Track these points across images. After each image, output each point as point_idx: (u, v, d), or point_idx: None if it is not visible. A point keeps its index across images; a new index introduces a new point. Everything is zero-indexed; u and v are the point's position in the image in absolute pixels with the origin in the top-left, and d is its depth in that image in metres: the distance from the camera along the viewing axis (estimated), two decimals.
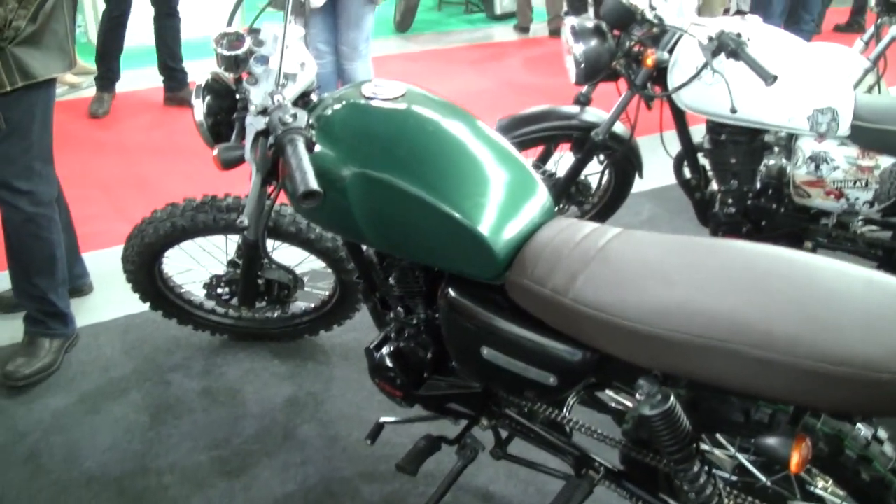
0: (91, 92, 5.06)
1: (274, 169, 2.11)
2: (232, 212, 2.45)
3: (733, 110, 2.61)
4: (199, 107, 2.06)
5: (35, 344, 2.74)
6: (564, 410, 1.97)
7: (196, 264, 2.82)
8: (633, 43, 2.80)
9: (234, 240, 2.64)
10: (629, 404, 2.05)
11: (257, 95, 1.87)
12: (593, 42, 2.82)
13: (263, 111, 1.80)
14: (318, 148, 1.83)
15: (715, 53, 2.56)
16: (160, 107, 5.09)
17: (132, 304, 3.03)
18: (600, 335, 1.61)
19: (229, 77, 2.07)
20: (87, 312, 3.05)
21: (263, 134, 1.81)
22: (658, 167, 3.48)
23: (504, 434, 2.16)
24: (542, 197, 1.88)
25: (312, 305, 2.83)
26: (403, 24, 6.88)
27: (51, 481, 2.35)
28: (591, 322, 1.61)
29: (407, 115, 1.89)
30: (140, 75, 5.42)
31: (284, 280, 2.59)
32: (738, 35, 2.51)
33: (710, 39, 2.55)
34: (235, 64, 1.93)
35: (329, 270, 2.69)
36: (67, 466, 2.40)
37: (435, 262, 1.85)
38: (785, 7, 5.93)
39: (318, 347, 2.93)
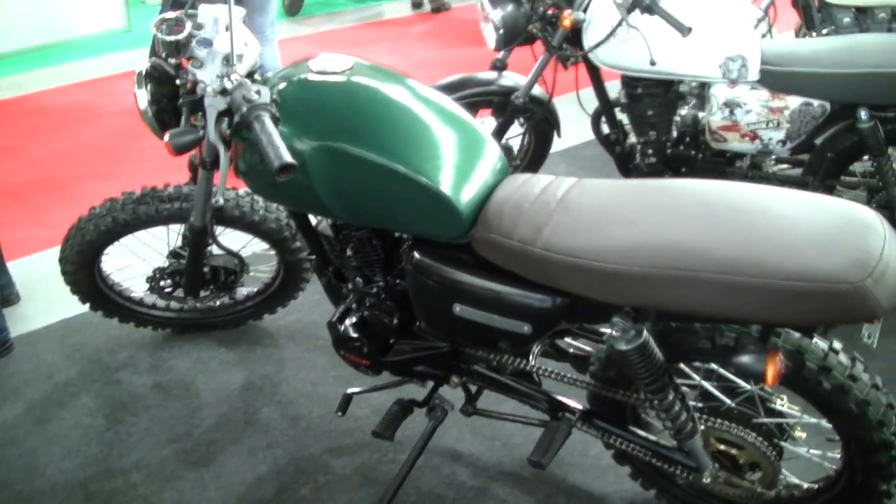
0: None
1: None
2: (174, 201, 2.42)
3: (652, 62, 2.72)
4: (143, 95, 2.03)
5: None
6: (531, 359, 2.05)
7: (133, 259, 2.77)
8: (547, 5, 2.88)
9: (174, 230, 2.60)
10: (589, 349, 2.14)
11: (206, 77, 1.86)
12: (510, 7, 2.89)
13: (223, 91, 1.79)
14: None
15: (630, 10, 2.66)
16: (56, 109, 4.92)
17: (65, 308, 2.99)
18: (572, 279, 1.68)
19: (169, 63, 2.04)
20: (19, 321, 2.95)
21: (225, 113, 1.81)
22: (572, 126, 3.59)
23: (473, 391, 2.22)
24: (495, 155, 1.94)
25: (255, 289, 2.82)
26: (293, 7, 6.82)
27: (13, 494, 2.28)
28: (562, 268, 1.68)
29: (359, 86, 1.91)
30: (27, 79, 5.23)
31: (230, 265, 2.58)
32: None
33: None
34: (177, 49, 1.92)
35: (271, 252, 2.69)
36: (28, 477, 2.34)
37: (400, 228, 1.89)
38: None
39: (264, 331, 2.92)
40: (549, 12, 2.90)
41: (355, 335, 2.14)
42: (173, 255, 2.59)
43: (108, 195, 2.53)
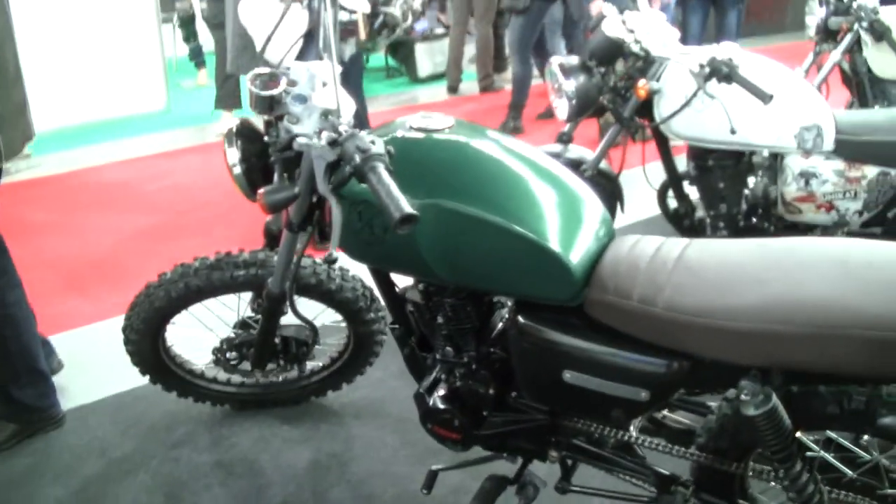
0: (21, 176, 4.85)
1: (308, 218, 2.04)
2: (249, 268, 2.34)
3: (733, 131, 2.67)
4: (233, 153, 1.98)
5: None
6: (632, 431, 1.94)
7: (198, 329, 2.67)
8: (620, 76, 2.86)
9: (244, 300, 2.51)
10: (687, 421, 2.02)
11: (304, 131, 1.80)
12: (582, 78, 2.86)
13: (333, 143, 1.72)
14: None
15: (707, 78, 2.62)
16: (98, 186, 4.90)
17: (114, 383, 2.88)
18: (699, 341, 1.59)
19: (258, 122, 2.00)
20: (67, 397, 2.82)
21: (334, 166, 1.74)
22: (634, 202, 3.53)
23: (569, 465, 2.10)
24: (602, 216, 1.86)
25: (321, 364, 2.71)
26: None
27: None
28: (687, 328, 1.59)
29: (464, 143, 1.86)
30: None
31: (302, 336, 2.48)
32: (730, 59, 2.59)
33: (702, 66, 2.62)
34: (270, 105, 1.87)
35: (341, 324, 2.59)
36: None
37: (507, 289, 1.80)
38: (701, 30, 6.03)
39: (327, 409, 2.79)
40: (621, 83, 2.87)
41: (446, 407, 2.03)
42: (242, 325, 2.50)
43: (151, 271, 2.46)
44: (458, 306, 1.96)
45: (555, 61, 2.93)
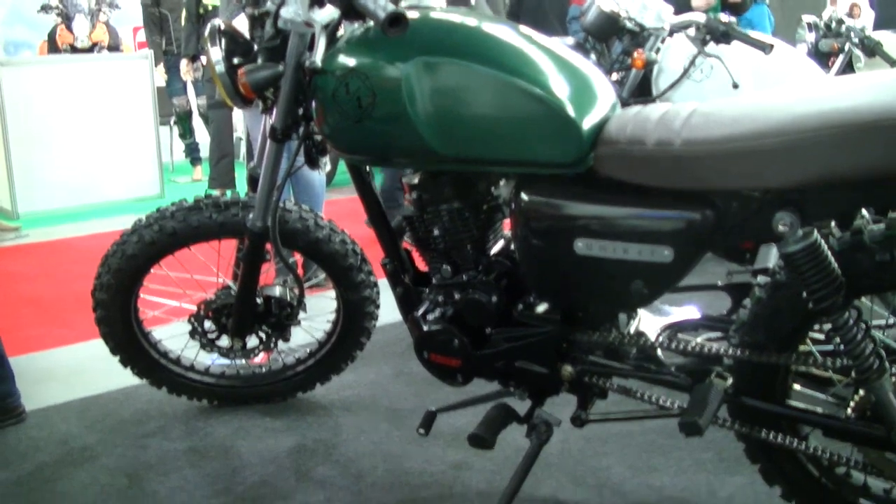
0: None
1: (292, 125, 1.92)
2: (231, 208, 2.16)
3: (735, 85, 2.56)
4: (216, 52, 1.87)
5: None
6: (654, 335, 1.73)
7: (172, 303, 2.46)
8: (618, 54, 2.78)
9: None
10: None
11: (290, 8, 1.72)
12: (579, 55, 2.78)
13: None
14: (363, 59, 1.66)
15: (705, 41, 2.55)
16: (86, 249, 4.74)
17: (84, 387, 2.63)
18: (724, 171, 1.45)
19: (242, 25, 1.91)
20: (32, 399, 2.56)
21: (318, 1, 1.63)
22: None
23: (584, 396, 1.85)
24: (608, 87, 1.73)
25: (308, 350, 2.48)
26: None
27: None
28: (711, 160, 1.45)
29: (462, 12, 1.76)
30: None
31: (286, 297, 2.26)
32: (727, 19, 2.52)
33: (699, 28, 2.55)
34: None
35: (331, 296, 2.38)
36: None
37: (511, 155, 1.63)
38: None
39: (314, 403, 2.53)
40: (618, 63, 2.79)
41: (444, 326, 1.81)
42: (222, 291, 2.29)
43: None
44: (454, 212, 1.80)
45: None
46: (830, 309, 1.44)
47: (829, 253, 1.43)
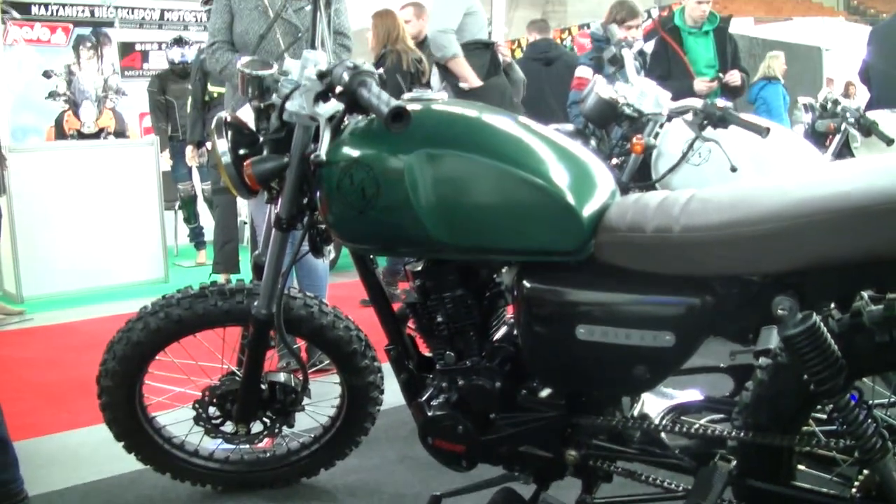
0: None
1: (297, 215, 1.96)
2: (235, 296, 2.19)
3: (734, 169, 2.62)
4: (222, 144, 1.92)
5: None
6: (658, 419, 1.75)
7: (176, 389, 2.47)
8: (617, 140, 2.85)
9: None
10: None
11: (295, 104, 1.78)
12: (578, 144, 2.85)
13: (322, 75, 1.67)
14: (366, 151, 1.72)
15: (702, 126, 2.61)
16: (91, 333, 4.76)
17: (87, 471, 2.61)
18: (722, 257, 1.48)
19: (247, 117, 1.96)
20: (35, 484, 2.55)
21: (323, 96, 1.69)
22: None
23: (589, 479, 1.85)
24: (607, 175, 1.77)
25: (312, 436, 2.48)
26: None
27: None
28: (709, 246, 1.48)
29: (464, 105, 1.82)
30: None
31: (290, 382, 2.28)
32: (723, 105, 2.59)
33: (696, 114, 2.62)
34: (262, 88, 1.84)
35: (332, 392, 2.39)
36: None
37: (513, 244, 1.67)
38: None
39: (319, 489, 2.52)
40: (618, 148, 2.86)
41: (448, 412, 1.83)
42: (226, 378, 2.31)
43: None
44: (457, 299, 1.83)
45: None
46: (832, 391, 1.46)
47: (829, 335, 1.45)
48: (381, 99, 1.50)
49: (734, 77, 4.86)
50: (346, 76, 1.57)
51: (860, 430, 1.49)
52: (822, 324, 1.45)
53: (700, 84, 4.53)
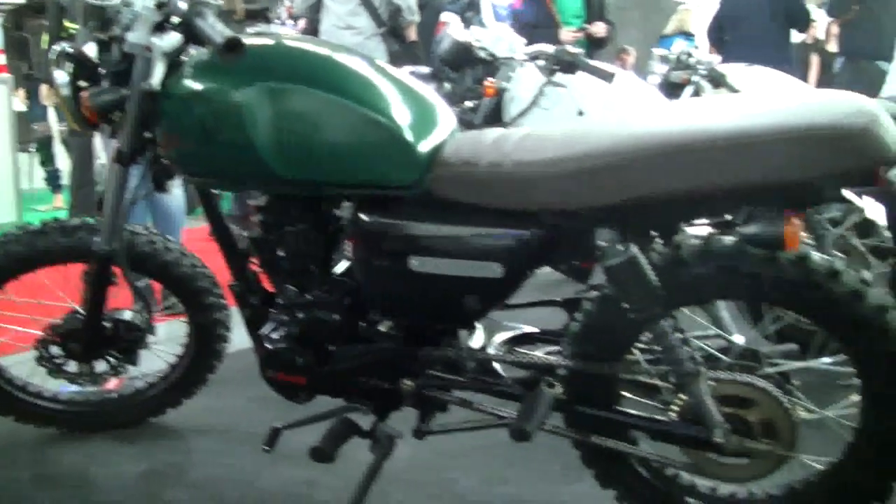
0: None
1: (139, 149, 1.93)
2: (78, 232, 2.14)
3: (581, 113, 2.71)
4: (62, 75, 1.86)
5: None
6: (492, 348, 1.82)
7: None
8: (471, 82, 2.90)
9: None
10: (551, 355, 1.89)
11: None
12: (433, 87, 2.88)
13: (161, 5, 1.64)
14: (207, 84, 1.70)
15: (552, 71, 2.68)
16: None
17: None
18: (550, 191, 1.54)
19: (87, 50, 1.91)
20: None
21: (160, 26, 1.66)
22: None
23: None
24: (447, 113, 1.81)
25: (159, 375, 2.46)
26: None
27: None
28: (538, 181, 1.54)
29: (305, 39, 1.82)
30: None
31: (135, 320, 2.24)
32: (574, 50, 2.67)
33: (547, 59, 2.69)
34: (104, 19, 1.80)
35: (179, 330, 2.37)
36: None
37: (349, 177, 1.69)
38: None
39: (167, 429, 2.50)
40: (471, 91, 2.91)
41: (288, 345, 1.85)
42: (70, 316, 2.25)
43: None
44: (299, 234, 1.84)
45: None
46: (650, 319, 1.55)
47: (649, 267, 1.54)
48: (215, 29, 1.50)
49: (599, 28, 5.00)
50: (182, 6, 1.56)
51: (674, 356, 1.59)
52: (641, 255, 1.53)
53: (566, 34, 4.62)
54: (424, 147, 1.65)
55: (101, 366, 2.31)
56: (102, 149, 5.36)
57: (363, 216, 1.71)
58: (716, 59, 3.87)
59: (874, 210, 1.73)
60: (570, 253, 1.65)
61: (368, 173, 1.66)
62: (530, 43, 2.95)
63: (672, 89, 3.94)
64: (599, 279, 1.69)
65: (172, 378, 2.43)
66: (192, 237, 2.53)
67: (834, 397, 1.79)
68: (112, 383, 2.44)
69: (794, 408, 1.65)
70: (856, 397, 1.66)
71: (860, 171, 1.38)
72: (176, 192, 3.60)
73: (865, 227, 3.21)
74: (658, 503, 1.84)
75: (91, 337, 2.20)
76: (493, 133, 1.70)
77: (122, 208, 2.01)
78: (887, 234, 2.97)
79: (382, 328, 1.82)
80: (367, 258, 1.72)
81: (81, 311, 2.23)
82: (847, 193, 1.53)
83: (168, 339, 2.47)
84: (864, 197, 1.79)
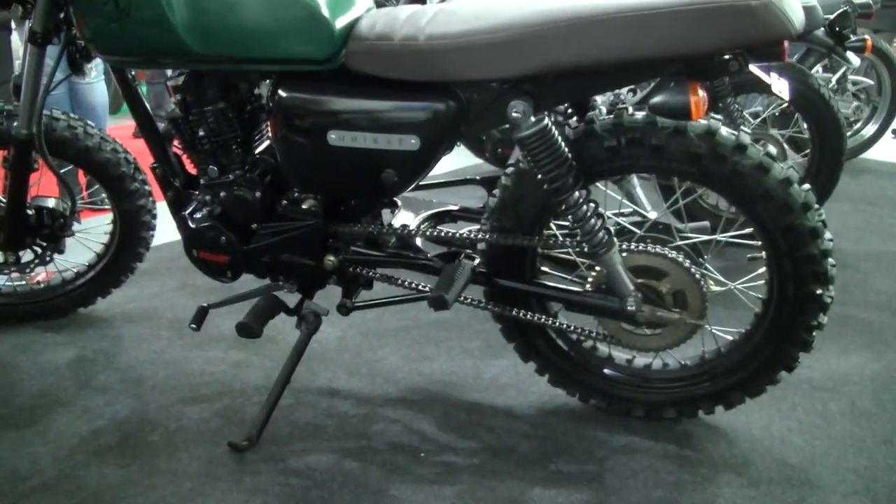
0: None
1: (53, 30, 1.89)
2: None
3: None
4: None
5: None
6: (414, 225, 1.86)
7: None
8: None
9: None
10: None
11: None
12: None
13: None
14: None
15: None
16: None
17: None
18: (461, 64, 1.56)
19: None
20: None
21: None
22: None
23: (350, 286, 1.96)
24: None
25: (86, 264, 2.46)
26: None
27: None
28: (450, 54, 1.55)
29: None
30: None
31: (59, 207, 2.23)
32: None
33: None
34: None
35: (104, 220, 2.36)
36: None
37: (267, 53, 1.68)
38: None
39: (96, 317, 2.51)
40: None
41: (212, 223, 1.87)
42: None
43: None
44: (218, 113, 1.83)
45: None
46: (562, 189, 1.60)
47: (560, 138, 1.58)
48: None
49: None
50: None
51: (588, 226, 1.65)
52: (552, 126, 1.57)
53: None
54: (340, 22, 1.65)
55: (27, 255, 2.30)
56: (21, 44, 5.19)
57: (281, 92, 1.71)
58: None
59: (779, 85, 1.79)
60: (483, 125, 1.67)
61: (285, 49, 1.66)
62: None
63: None
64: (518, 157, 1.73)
65: (100, 267, 2.44)
66: (117, 135, 2.49)
67: (742, 275, 1.88)
68: (40, 275, 2.43)
69: (704, 279, 1.72)
70: (762, 270, 1.74)
71: (763, 45, 1.42)
72: (99, 87, 3.53)
73: (785, 120, 3.31)
74: (576, 374, 1.93)
75: (14, 225, 2.19)
76: (407, 9, 1.70)
77: (40, 91, 1.97)
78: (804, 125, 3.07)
79: (304, 206, 1.84)
80: (286, 134, 1.72)
81: (2, 199, 2.21)
82: (754, 69, 1.58)
83: (95, 226, 2.46)
84: (772, 74, 1.85)
